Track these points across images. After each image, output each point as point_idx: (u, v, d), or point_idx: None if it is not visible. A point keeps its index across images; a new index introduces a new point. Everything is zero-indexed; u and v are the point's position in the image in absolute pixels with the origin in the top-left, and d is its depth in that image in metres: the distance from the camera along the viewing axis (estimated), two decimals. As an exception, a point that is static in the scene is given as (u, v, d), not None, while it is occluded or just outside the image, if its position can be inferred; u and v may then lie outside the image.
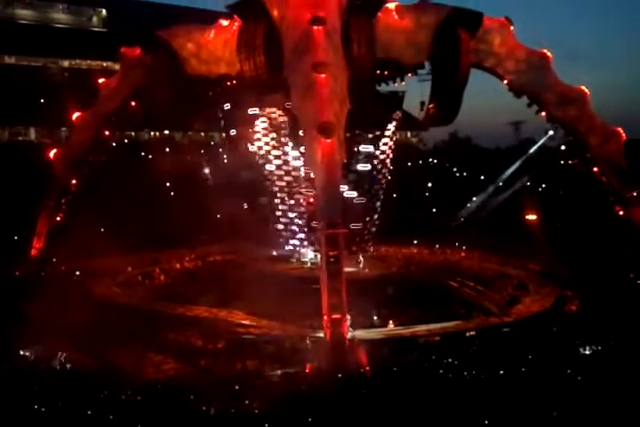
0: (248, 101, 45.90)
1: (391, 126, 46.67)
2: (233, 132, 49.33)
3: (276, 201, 47.59)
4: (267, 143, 47.00)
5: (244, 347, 31.89)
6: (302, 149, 42.88)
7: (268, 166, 47.46)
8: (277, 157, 46.88)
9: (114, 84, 43.37)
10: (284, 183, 46.83)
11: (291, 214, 46.78)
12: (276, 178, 47.25)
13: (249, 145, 48.28)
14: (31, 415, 21.46)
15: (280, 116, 45.42)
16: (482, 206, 68.73)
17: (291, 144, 45.43)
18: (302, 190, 45.64)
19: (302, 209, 45.74)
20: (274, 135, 46.52)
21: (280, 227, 48.01)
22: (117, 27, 74.94)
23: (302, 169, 45.00)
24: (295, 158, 45.49)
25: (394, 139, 47.68)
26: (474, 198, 70.06)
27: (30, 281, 40.89)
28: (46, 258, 44.61)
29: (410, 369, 25.99)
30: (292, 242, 47.68)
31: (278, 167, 46.99)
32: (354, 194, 45.38)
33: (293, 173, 46.15)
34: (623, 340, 27.93)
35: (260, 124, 46.81)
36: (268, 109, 45.85)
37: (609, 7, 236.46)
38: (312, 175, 34.66)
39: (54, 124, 65.42)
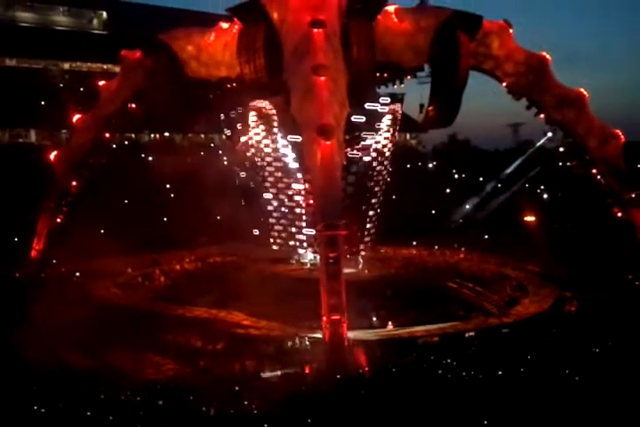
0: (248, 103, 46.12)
1: (385, 126, 46.56)
2: (233, 133, 49.41)
3: (275, 202, 47.60)
4: (263, 142, 47.12)
5: (243, 348, 31.99)
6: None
7: (266, 166, 47.52)
8: (275, 158, 46.95)
9: (114, 87, 43.48)
10: (282, 184, 46.87)
11: (289, 215, 46.79)
12: (274, 179, 47.30)
13: (247, 145, 48.38)
14: (31, 416, 21.54)
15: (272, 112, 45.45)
16: (478, 208, 68.73)
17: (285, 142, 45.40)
18: (302, 192, 45.65)
19: (301, 210, 45.72)
20: (270, 135, 46.61)
21: (279, 228, 48.03)
22: (118, 29, 75.15)
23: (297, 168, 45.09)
24: (293, 159, 45.50)
25: (392, 140, 47.68)
26: (471, 200, 70.10)
27: (30, 282, 40.99)
28: (46, 259, 44.68)
29: (409, 370, 26.10)
30: (290, 243, 47.67)
31: (277, 169, 47.03)
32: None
33: (291, 173, 46.18)
34: (622, 341, 28.03)
35: (256, 125, 46.92)
36: (259, 104, 45.87)
37: (609, 10, 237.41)
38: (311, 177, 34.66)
39: (55, 127, 65.60)
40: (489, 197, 69.46)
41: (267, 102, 45.05)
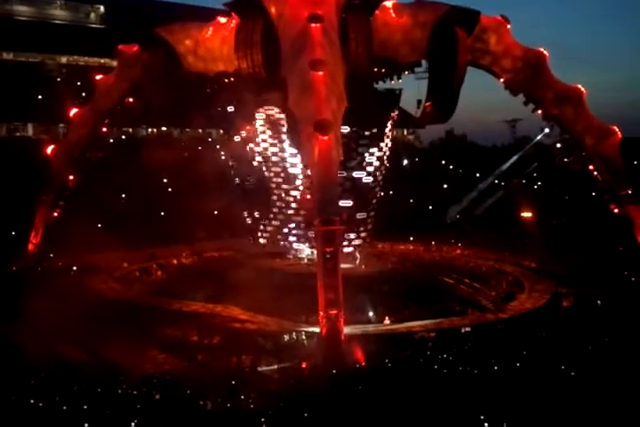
0: (248, 100, 45.96)
1: (388, 124, 46.71)
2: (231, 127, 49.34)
3: (274, 197, 47.53)
4: (264, 140, 46.99)
5: (240, 342, 32.05)
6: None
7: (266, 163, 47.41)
8: (275, 154, 46.87)
9: (111, 81, 43.44)
10: (281, 180, 46.79)
11: (288, 211, 46.74)
12: (273, 174, 47.21)
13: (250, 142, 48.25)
14: (28, 410, 21.57)
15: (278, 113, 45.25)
16: (475, 204, 68.72)
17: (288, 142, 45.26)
18: (300, 187, 45.60)
19: (299, 205, 45.67)
20: (272, 133, 46.46)
21: (277, 223, 47.99)
22: (115, 23, 75.02)
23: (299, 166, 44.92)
24: (292, 155, 45.42)
25: (390, 136, 47.69)
26: (468, 196, 70.12)
27: (27, 276, 40.99)
28: (43, 253, 44.67)
29: (405, 365, 26.18)
30: (289, 238, 47.63)
31: (275, 164, 46.95)
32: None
33: (291, 170, 46.09)
34: (618, 337, 28.13)
35: (259, 122, 46.76)
36: (266, 107, 45.70)
37: (607, 6, 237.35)
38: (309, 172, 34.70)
39: (52, 121, 65.55)
40: (485, 193, 69.47)
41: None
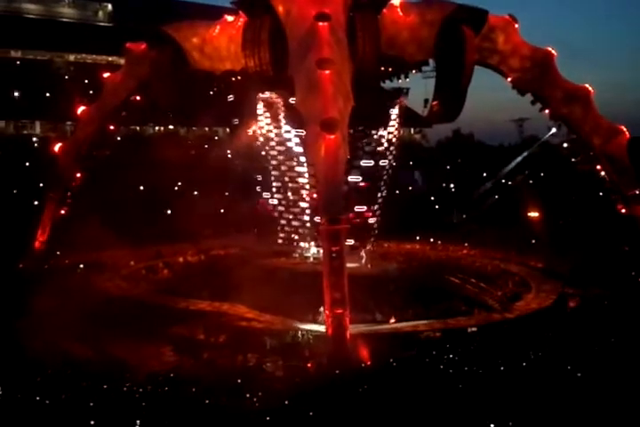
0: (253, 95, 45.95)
1: (394, 121, 46.53)
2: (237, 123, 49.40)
3: (280, 196, 47.52)
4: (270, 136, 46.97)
5: (246, 340, 32.08)
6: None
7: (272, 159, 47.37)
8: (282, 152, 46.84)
9: (119, 79, 43.55)
10: (287, 178, 46.76)
11: (294, 209, 46.71)
12: (278, 172, 47.18)
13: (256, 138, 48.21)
14: (34, 407, 21.64)
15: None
16: (480, 203, 68.52)
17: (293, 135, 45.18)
18: (306, 185, 45.53)
19: (306, 204, 45.61)
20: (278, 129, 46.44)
21: (283, 222, 47.98)
22: (123, 21, 75.18)
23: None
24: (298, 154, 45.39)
25: (397, 134, 47.55)
26: (474, 194, 69.96)
27: (34, 274, 41.11)
28: (50, 251, 44.79)
29: (410, 364, 26.15)
30: (294, 237, 47.61)
31: (281, 162, 46.92)
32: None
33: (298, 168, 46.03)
34: (624, 337, 28.03)
35: (264, 118, 46.73)
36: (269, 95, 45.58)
37: (612, 6, 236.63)
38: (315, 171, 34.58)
39: (59, 118, 65.79)
40: (490, 193, 69.31)
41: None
